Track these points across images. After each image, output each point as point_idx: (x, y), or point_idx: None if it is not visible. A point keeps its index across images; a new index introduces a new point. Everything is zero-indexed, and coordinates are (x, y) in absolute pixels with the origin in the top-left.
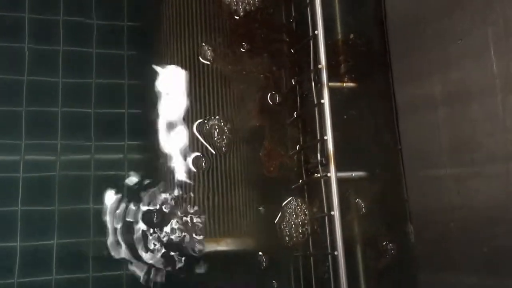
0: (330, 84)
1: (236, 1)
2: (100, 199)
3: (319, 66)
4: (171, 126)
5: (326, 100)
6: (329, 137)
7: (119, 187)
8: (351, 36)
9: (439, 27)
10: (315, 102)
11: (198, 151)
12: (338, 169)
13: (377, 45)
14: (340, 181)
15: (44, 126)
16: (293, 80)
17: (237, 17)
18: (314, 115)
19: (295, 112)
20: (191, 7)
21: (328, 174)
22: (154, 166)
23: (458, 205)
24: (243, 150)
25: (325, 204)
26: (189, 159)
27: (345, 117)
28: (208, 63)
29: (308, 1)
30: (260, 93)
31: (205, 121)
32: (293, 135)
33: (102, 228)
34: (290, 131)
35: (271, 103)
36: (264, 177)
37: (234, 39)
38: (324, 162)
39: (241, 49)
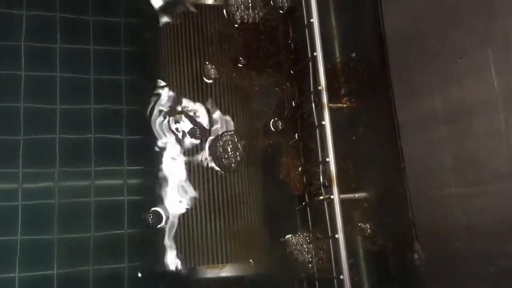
0: (330, 105)
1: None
2: (100, 226)
3: (319, 88)
4: (172, 150)
5: (327, 122)
6: (331, 159)
7: (120, 212)
8: (353, 55)
9: (439, 45)
10: (316, 124)
11: (199, 175)
12: (341, 190)
13: (377, 64)
14: (343, 202)
15: (42, 153)
16: (293, 102)
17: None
18: (315, 137)
19: (296, 134)
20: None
21: (331, 197)
22: (156, 191)
23: (464, 225)
24: (249, 174)
25: (329, 227)
26: (191, 182)
27: (346, 137)
28: (210, 81)
29: (306, 23)
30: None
31: (207, 144)
32: (295, 157)
33: (102, 257)
34: (292, 152)
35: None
36: (270, 198)
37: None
38: (326, 184)
39: (239, 64)
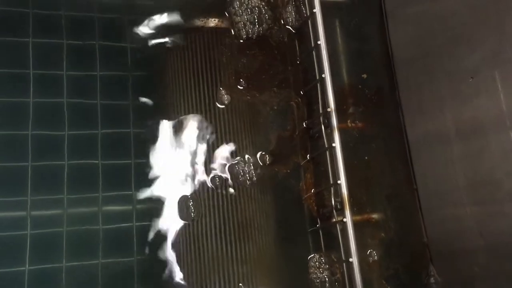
0: (340, 125)
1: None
2: (108, 253)
3: (328, 110)
4: (182, 173)
5: (337, 144)
6: (342, 181)
7: (129, 239)
8: (364, 75)
9: (448, 64)
10: (326, 146)
11: (210, 198)
12: (354, 212)
13: (386, 84)
14: (356, 225)
15: (50, 180)
16: (304, 123)
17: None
18: (325, 159)
19: (308, 155)
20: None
21: (344, 219)
22: (165, 215)
23: (481, 247)
24: (261, 196)
25: (342, 250)
26: (202, 205)
27: (357, 158)
28: (222, 106)
29: (313, 45)
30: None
31: (218, 167)
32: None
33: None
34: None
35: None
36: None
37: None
38: (339, 206)
39: (247, 86)
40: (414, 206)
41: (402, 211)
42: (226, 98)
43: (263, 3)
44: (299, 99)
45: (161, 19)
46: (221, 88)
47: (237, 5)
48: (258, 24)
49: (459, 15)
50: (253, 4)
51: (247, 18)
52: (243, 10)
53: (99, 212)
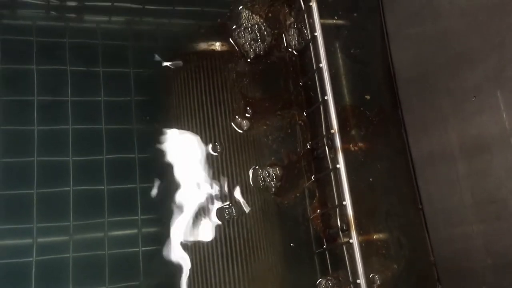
0: (344, 146)
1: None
2: (115, 278)
3: (332, 131)
4: (187, 197)
5: (341, 165)
6: (348, 202)
7: (135, 264)
8: (367, 97)
9: (451, 84)
10: (331, 167)
11: (216, 222)
12: (360, 233)
13: (389, 104)
14: (363, 245)
15: (56, 206)
16: (308, 144)
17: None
18: (330, 180)
19: (313, 176)
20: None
21: (350, 241)
22: (172, 241)
23: (489, 266)
24: (266, 219)
25: (349, 272)
26: (208, 229)
27: (362, 179)
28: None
29: (315, 68)
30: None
31: (223, 190)
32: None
33: None
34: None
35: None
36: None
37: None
38: (345, 228)
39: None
40: (420, 225)
41: (408, 231)
42: (235, 123)
43: (262, 20)
44: (303, 121)
45: (163, 43)
46: (227, 113)
47: (239, 28)
48: (260, 41)
49: (460, 35)
50: (252, 23)
51: (250, 38)
52: (245, 32)
53: (105, 237)
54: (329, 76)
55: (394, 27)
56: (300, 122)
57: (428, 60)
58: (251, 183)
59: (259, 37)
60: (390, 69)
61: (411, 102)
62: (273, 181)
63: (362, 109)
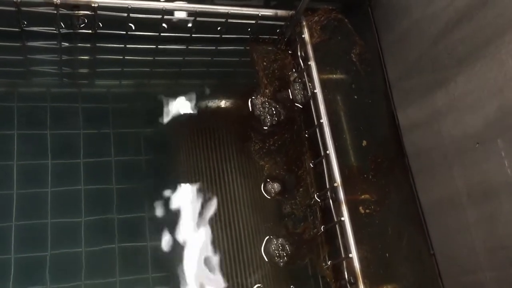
0: (349, 197)
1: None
2: None
3: (335, 184)
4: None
5: (346, 218)
6: (354, 255)
7: None
8: (364, 143)
9: (453, 131)
10: (335, 220)
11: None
12: (370, 284)
13: (394, 152)
14: None
15: (69, 267)
16: (315, 195)
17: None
18: (335, 232)
19: (322, 227)
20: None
21: None
22: None
23: None
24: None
25: None
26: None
27: (370, 229)
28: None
29: (316, 123)
30: None
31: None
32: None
33: None
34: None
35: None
36: None
37: None
38: (352, 281)
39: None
40: (434, 273)
41: (421, 279)
42: (244, 185)
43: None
44: (309, 173)
45: (171, 106)
46: (239, 175)
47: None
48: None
49: (460, 84)
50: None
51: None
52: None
53: None
54: (330, 131)
55: (395, 77)
56: (306, 173)
57: (431, 109)
58: (263, 252)
59: (274, 113)
60: (395, 118)
61: (416, 150)
62: (284, 251)
63: (367, 159)
